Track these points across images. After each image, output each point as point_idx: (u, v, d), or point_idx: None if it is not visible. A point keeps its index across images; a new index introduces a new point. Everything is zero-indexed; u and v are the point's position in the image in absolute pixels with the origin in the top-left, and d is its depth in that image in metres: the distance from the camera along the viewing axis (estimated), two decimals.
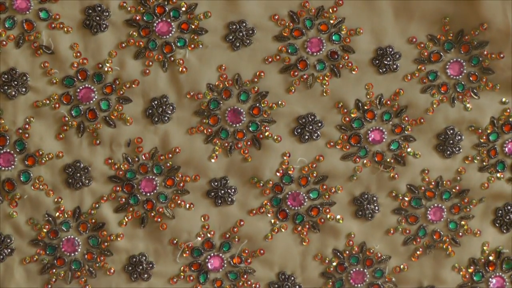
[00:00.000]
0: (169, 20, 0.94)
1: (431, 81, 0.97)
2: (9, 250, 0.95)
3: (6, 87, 0.93)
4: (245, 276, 0.97)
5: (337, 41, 0.95)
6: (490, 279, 1.00)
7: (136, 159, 0.95)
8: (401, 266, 0.99)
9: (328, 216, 0.97)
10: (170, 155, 0.95)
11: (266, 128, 0.96)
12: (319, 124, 0.96)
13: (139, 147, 0.95)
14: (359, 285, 0.99)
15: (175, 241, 0.96)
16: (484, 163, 0.98)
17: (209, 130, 0.95)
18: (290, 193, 0.97)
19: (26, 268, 0.96)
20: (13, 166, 0.94)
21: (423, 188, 0.98)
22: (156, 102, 0.94)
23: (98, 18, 0.93)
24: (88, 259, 0.96)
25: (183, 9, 0.94)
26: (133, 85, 0.94)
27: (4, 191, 0.94)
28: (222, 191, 0.96)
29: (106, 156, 0.95)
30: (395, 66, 0.96)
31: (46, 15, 0.93)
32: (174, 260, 0.97)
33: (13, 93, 0.93)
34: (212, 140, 0.95)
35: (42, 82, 0.93)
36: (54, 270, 0.96)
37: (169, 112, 0.94)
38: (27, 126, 0.93)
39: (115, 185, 0.95)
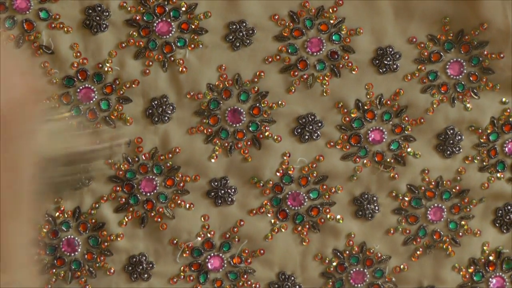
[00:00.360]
0: (169, 20, 0.94)
1: (431, 81, 0.97)
2: None
3: None
4: (245, 276, 0.97)
5: (337, 41, 0.95)
6: (490, 279, 1.00)
7: (136, 159, 0.95)
8: (401, 266, 0.99)
9: (328, 216, 0.97)
10: (170, 155, 0.95)
11: (266, 128, 0.96)
12: (319, 124, 0.96)
13: (139, 147, 0.95)
14: (359, 285, 0.99)
15: (175, 241, 0.96)
16: (484, 163, 0.98)
17: (209, 130, 0.95)
18: (290, 193, 0.97)
19: None
20: None
21: (423, 188, 0.98)
22: (156, 102, 0.94)
23: (98, 18, 0.93)
24: (88, 259, 0.96)
25: (183, 9, 0.94)
26: (133, 85, 0.94)
27: None
28: (222, 191, 0.96)
29: None
30: (395, 66, 0.96)
31: (46, 15, 0.93)
32: (174, 260, 0.97)
33: None
34: (212, 140, 0.95)
35: (42, 82, 0.93)
36: (54, 270, 0.96)
37: (169, 112, 0.94)
38: None
39: (115, 185, 0.95)
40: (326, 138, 0.97)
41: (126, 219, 0.96)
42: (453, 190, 0.99)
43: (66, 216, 0.95)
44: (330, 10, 0.95)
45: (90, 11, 0.93)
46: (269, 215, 0.97)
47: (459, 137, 0.98)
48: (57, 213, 0.95)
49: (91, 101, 0.94)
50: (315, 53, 0.95)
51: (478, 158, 0.98)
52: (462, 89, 0.97)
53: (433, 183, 0.98)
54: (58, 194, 0.92)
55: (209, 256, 0.97)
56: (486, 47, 0.97)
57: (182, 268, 0.97)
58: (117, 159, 0.95)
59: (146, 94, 0.94)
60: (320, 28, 0.95)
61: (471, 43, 0.97)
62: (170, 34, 0.94)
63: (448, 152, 0.98)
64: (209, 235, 0.97)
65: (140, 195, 0.95)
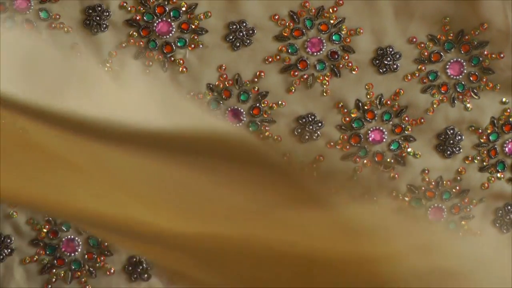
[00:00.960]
0: (169, 20, 0.94)
1: (431, 81, 0.97)
2: (9, 250, 0.95)
3: None
4: None
5: (337, 41, 0.95)
6: None
7: None
8: None
9: None
10: None
11: (266, 128, 0.96)
12: (319, 124, 0.96)
13: None
14: None
15: None
16: (484, 163, 0.98)
17: None
18: None
19: (26, 268, 0.96)
20: None
21: (423, 188, 0.98)
22: None
23: (98, 18, 0.93)
24: (88, 259, 0.96)
25: (183, 9, 0.94)
26: None
27: None
28: None
29: None
30: (395, 66, 0.96)
31: (46, 15, 0.93)
32: None
33: None
34: None
35: None
36: (54, 270, 0.96)
37: None
38: None
39: None
40: (326, 138, 0.96)
41: None
42: (453, 190, 0.99)
43: None
44: (330, 10, 0.95)
45: (90, 11, 0.93)
46: None
47: (459, 137, 0.98)
48: None
49: None
50: (315, 53, 0.95)
51: (478, 158, 0.98)
52: (462, 89, 0.97)
53: (433, 183, 0.98)
54: None
55: None
56: (486, 47, 0.97)
57: None
58: None
59: None
60: (320, 28, 0.95)
61: (471, 43, 0.97)
62: (170, 34, 0.94)
63: (448, 152, 0.98)
64: None
65: None
